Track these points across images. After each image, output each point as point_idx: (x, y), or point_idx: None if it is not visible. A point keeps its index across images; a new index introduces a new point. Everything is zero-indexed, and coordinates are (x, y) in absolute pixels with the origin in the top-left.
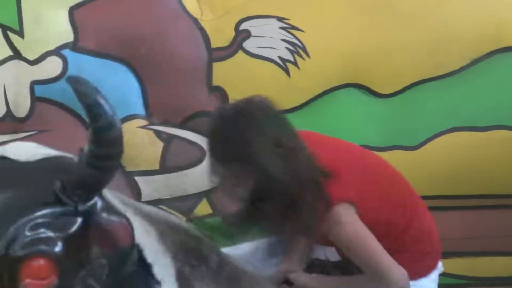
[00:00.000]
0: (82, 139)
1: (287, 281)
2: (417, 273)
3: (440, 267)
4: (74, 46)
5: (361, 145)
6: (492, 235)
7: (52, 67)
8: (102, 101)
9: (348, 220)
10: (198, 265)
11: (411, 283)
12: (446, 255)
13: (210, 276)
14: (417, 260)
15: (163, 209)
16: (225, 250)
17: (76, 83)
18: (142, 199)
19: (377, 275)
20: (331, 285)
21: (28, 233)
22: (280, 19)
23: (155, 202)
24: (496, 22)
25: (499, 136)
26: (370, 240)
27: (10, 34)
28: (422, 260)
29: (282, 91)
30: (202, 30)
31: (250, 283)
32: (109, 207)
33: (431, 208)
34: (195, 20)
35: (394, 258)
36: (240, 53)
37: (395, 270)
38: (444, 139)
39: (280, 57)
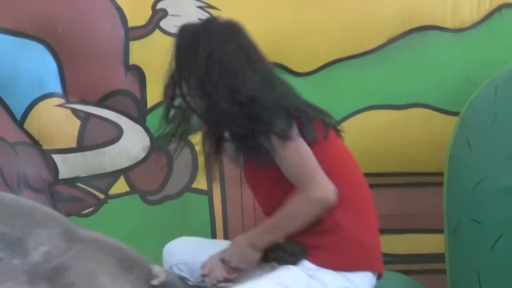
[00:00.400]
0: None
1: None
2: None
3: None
4: None
5: None
6: (412, 213)
7: None
8: None
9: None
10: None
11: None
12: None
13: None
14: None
15: (81, 187)
16: None
17: None
18: (60, 177)
19: (307, 183)
20: (269, 225)
21: None
22: None
23: (72, 180)
24: (413, 1)
25: (416, 114)
26: (309, 156)
27: None
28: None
29: None
30: (119, 9)
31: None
32: None
33: None
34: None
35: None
36: (157, 32)
37: (326, 181)
38: (362, 117)
39: None
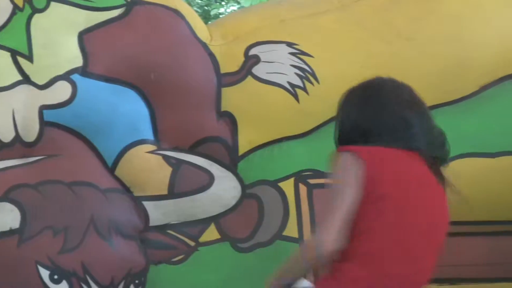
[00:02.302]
0: (91, 164)
1: None
2: None
3: None
4: (83, 71)
5: None
6: (503, 262)
7: (61, 92)
8: None
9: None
10: None
11: None
12: (455, 281)
13: None
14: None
15: (172, 234)
16: None
17: None
18: (151, 224)
19: (319, 225)
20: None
21: None
22: (289, 44)
23: (163, 227)
24: (506, 49)
25: (509, 162)
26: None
27: (20, 58)
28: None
29: (291, 117)
30: (211, 55)
31: None
32: None
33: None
34: (205, 45)
35: None
36: (250, 78)
37: (330, 230)
38: (456, 164)
39: (289, 83)
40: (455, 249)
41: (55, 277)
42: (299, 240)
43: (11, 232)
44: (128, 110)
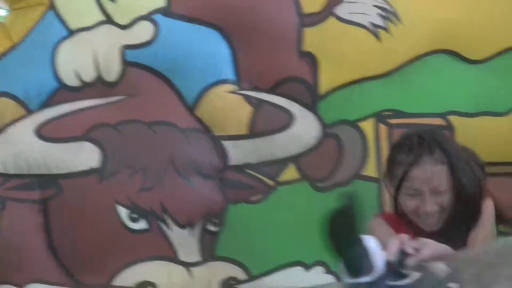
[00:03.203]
0: (171, 104)
1: None
2: None
3: None
4: (166, 11)
5: (451, 111)
6: None
7: (143, 32)
8: None
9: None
10: None
11: None
12: None
13: None
14: None
15: (251, 174)
16: None
17: None
18: (230, 163)
19: None
20: None
21: None
22: None
23: (242, 167)
24: None
25: None
26: None
27: None
28: None
29: (373, 57)
30: None
31: None
32: None
33: None
34: None
35: None
36: (331, 18)
37: None
38: None
39: (371, 23)
40: None
41: (134, 215)
42: (377, 180)
43: (91, 171)
44: (209, 50)
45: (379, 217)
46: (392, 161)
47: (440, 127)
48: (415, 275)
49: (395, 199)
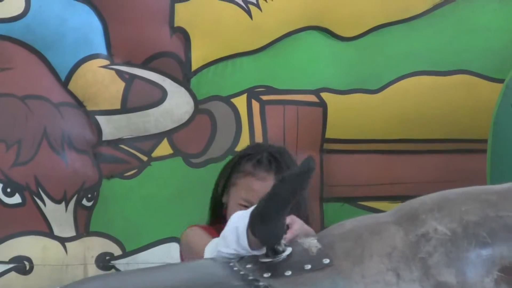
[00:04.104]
0: (44, 78)
1: None
2: None
3: None
4: None
5: (322, 88)
6: (455, 180)
7: (14, 5)
8: None
9: None
10: None
11: None
12: (406, 198)
13: None
14: None
15: (124, 149)
16: None
17: None
18: (103, 138)
19: None
20: None
21: None
22: None
23: (116, 142)
24: None
25: (461, 80)
26: None
27: None
28: None
29: (244, 33)
30: None
31: None
32: None
33: (392, 152)
34: None
35: None
36: None
37: None
38: (406, 83)
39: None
40: (407, 166)
41: (8, 190)
42: None
43: None
44: (80, 23)
45: (194, 226)
46: (234, 168)
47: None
48: (288, 251)
49: (217, 206)
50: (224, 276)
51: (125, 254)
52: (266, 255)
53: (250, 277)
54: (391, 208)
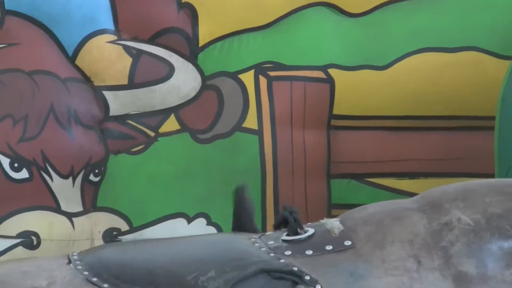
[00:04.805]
0: (51, 54)
1: None
2: None
3: None
4: None
5: (330, 64)
6: (461, 157)
7: None
8: None
9: None
10: None
11: None
12: (413, 175)
13: None
14: None
15: (131, 124)
16: None
17: None
18: (110, 114)
19: None
20: None
21: None
22: None
23: (122, 117)
24: None
25: (468, 57)
26: None
27: None
28: None
29: (251, 9)
30: None
31: None
32: None
33: (399, 129)
34: None
35: None
36: None
37: None
38: (414, 60)
39: None
40: (414, 143)
41: (15, 165)
42: (258, 132)
43: None
44: (88, 0)
45: None
46: None
47: None
48: (310, 231)
49: None
50: (245, 251)
51: (132, 229)
52: (288, 234)
53: (272, 254)
54: (398, 185)
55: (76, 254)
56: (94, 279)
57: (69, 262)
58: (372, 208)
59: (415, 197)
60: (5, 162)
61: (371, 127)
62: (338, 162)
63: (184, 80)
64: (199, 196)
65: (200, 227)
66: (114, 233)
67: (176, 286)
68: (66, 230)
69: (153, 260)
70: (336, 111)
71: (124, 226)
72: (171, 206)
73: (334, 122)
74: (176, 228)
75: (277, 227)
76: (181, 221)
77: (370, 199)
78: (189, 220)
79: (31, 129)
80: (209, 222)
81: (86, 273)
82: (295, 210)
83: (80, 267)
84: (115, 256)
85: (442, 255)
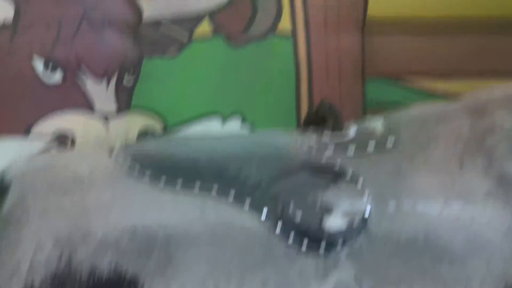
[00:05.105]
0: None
1: None
2: None
3: None
4: None
5: None
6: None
7: None
8: None
9: None
10: None
11: None
12: (449, 77)
13: None
14: None
15: (165, 28)
16: None
17: None
18: (143, 21)
19: None
20: None
21: None
22: None
23: (156, 22)
24: None
25: None
26: None
27: None
28: None
29: None
30: None
31: None
32: None
33: (437, 31)
34: None
35: None
36: None
37: None
38: None
39: None
40: (453, 46)
41: (49, 68)
42: (293, 35)
43: (4, 27)
44: None
45: None
46: None
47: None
48: (353, 130)
49: None
50: (286, 148)
51: (167, 128)
52: (328, 132)
53: (313, 152)
54: (434, 86)
55: (117, 148)
56: (137, 166)
57: (110, 154)
58: (416, 110)
59: (459, 101)
60: (39, 65)
61: (407, 29)
62: (373, 64)
63: None
64: (234, 96)
65: (235, 126)
66: (149, 132)
67: (219, 178)
68: (100, 131)
69: (196, 154)
70: (371, 12)
71: (158, 126)
72: (205, 106)
73: (369, 25)
74: (211, 126)
75: (309, 122)
76: (216, 120)
77: (406, 101)
78: (224, 118)
79: (65, 33)
80: (244, 122)
81: (128, 163)
82: (334, 105)
83: (122, 158)
84: (157, 149)
85: (485, 157)
